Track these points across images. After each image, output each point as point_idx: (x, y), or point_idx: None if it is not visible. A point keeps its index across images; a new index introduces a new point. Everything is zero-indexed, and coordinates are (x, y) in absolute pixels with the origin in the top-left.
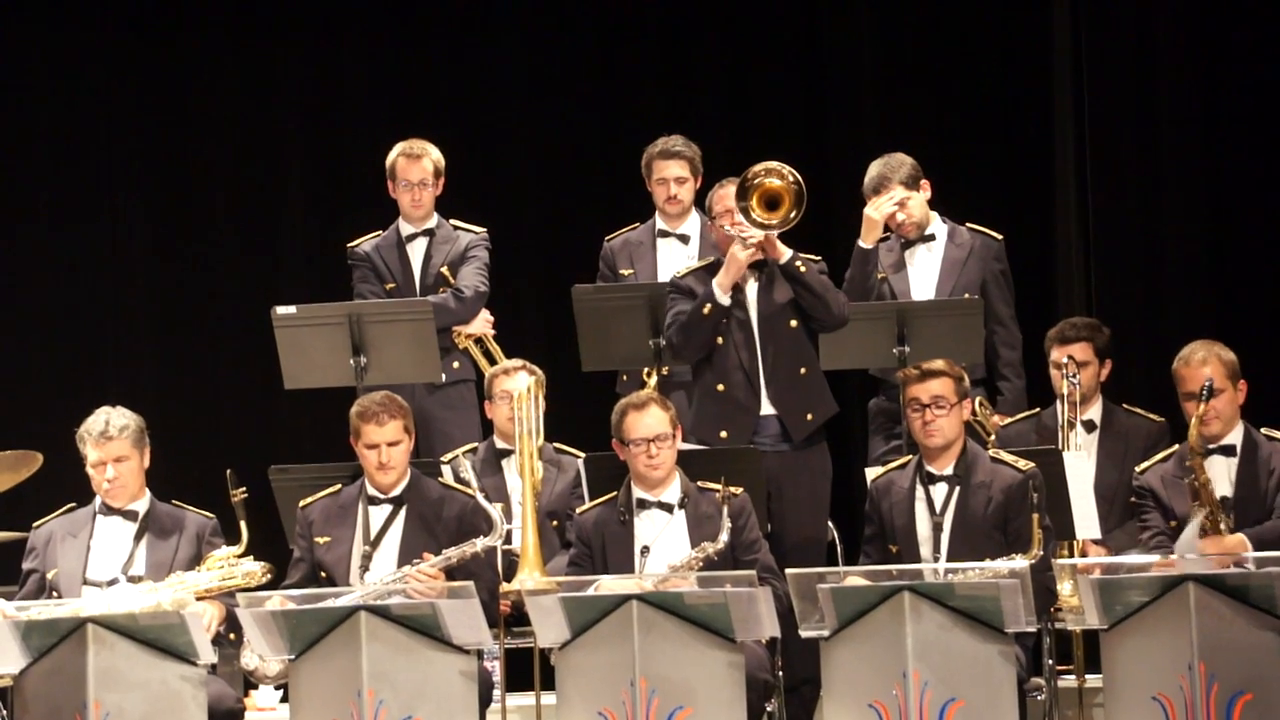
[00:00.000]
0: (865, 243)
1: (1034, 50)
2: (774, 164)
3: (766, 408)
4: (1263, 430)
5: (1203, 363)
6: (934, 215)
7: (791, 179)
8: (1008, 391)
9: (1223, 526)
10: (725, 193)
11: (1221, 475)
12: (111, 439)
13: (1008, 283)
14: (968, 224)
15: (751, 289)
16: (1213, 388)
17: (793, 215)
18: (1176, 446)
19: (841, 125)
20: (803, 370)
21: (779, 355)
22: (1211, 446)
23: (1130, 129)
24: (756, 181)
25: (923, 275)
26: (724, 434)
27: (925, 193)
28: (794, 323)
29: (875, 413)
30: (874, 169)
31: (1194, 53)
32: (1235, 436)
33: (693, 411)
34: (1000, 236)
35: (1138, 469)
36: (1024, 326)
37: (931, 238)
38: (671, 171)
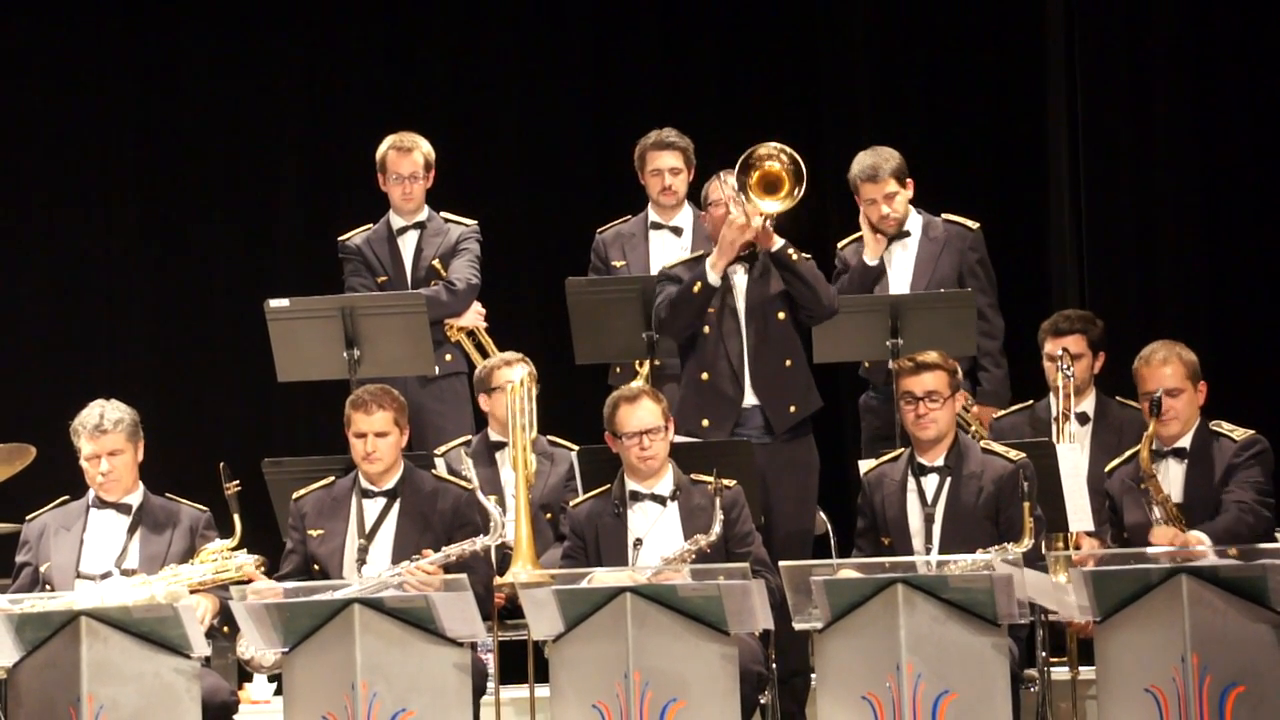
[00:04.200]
0: (871, 260)
1: (1027, 42)
2: (774, 147)
3: (750, 398)
4: (1211, 424)
5: (1163, 362)
6: (911, 210)
7: (788, 160)
8: (987, 381)
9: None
10: (721, 183)
11: (1176, 479)
12: (106, 432)
13: (986, 272)
14: (944, 215)
15: (741, 279)
16: (1161, 401)
17: (796, 192)
18: (1138, 447)
19: (835, 117)
20: (788, 362)
21: (765, 346)
22: (1165, 449)
23: (1124, 121)
24: (756, 162)
25: (899, 271)
26: (706, 422)
27: (909, 190)
28: (782, 315)
29: (864, 409)
30: (865, 158)
31: (1187, 44)
32: (1187, 439)
33: (677, 400)
34: (976, 225)
35: (1107, 469)
36: (1018, 318)
37: (907, 233)
38: (665, 163)
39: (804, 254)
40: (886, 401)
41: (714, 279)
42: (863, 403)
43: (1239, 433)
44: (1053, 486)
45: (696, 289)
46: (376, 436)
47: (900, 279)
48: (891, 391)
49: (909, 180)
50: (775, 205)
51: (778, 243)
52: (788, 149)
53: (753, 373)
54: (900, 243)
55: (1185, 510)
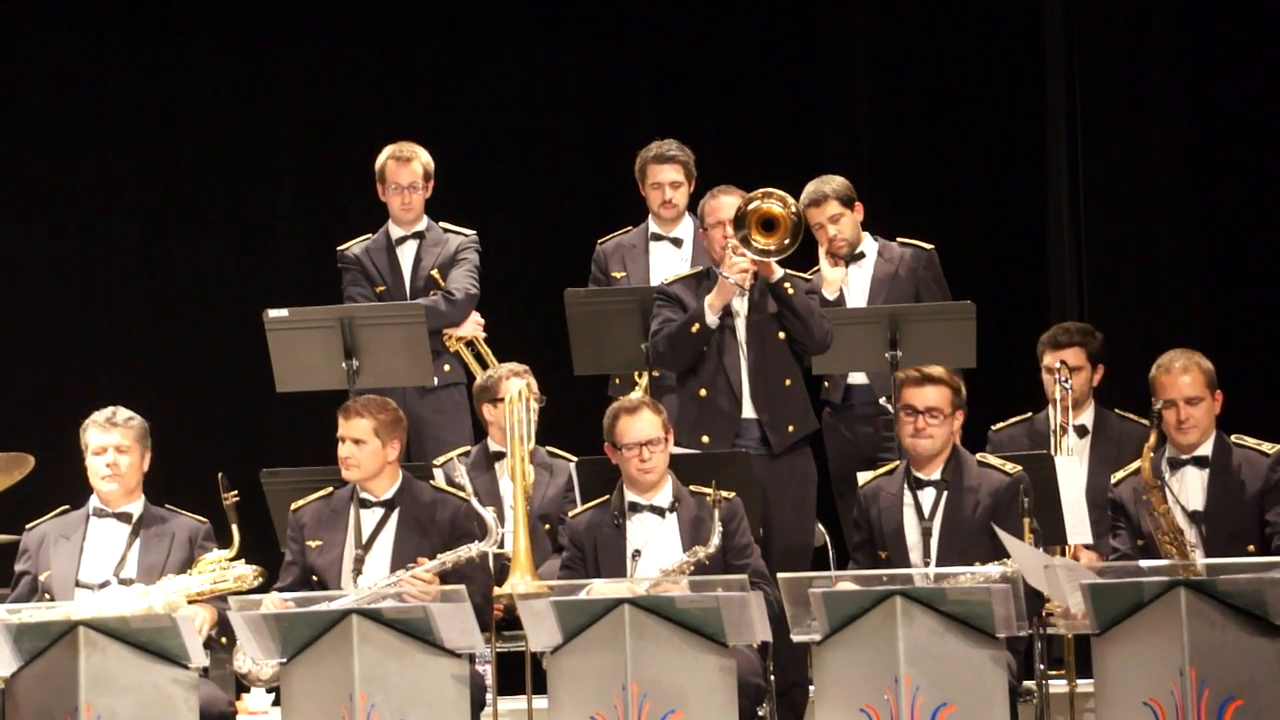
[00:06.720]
0: (830, 295)
1: (1027, 58)
2: (774, 190)
3: (749, 412)
4: (1233, 437)
5: (1183, 370)
6: (865, 235)
7: (792, 209)
8: None
9: (1190, 550)
10: (716, 204)
11: (1195, 486)
12: (117, 426)
13: (941, 290)
14: (899, 239)
15: (741, 299)
16: (1162, 413)
17: (787, 243)
18: (1152, 455)
19: (835, 131)
20: (787, 382)
21: (764, 364)
22: (1185, 457)
23: (1123, 134)
24: (753, 207)
25: (855, 292)
26: (706, 439)
27: (859, 214)
28: (782, 334)
29: (827, 429)
30: (810, 186)
31: (1186, 60)
32: (1208, 447)
33: (675, 416)
34: (930, 246)
35: (1113, 479)
36: (1017, 331)
37: (862, 255)
38: (666, 176)
39: (803, 276)
40: (845, 422)
41: (712, 320)
42: (825, 423)
43: (1267, 446)
44: (1051, 499)
45: (695, 329)
46: (353, 443)
47: (856, 300)
48: (849, 411)
49: (857, 204)
50: (774, 248)
51: (778, 273)
52: (789, 196)
53: (752, 391)
54: (856, 264)
55: (1205, 519)
